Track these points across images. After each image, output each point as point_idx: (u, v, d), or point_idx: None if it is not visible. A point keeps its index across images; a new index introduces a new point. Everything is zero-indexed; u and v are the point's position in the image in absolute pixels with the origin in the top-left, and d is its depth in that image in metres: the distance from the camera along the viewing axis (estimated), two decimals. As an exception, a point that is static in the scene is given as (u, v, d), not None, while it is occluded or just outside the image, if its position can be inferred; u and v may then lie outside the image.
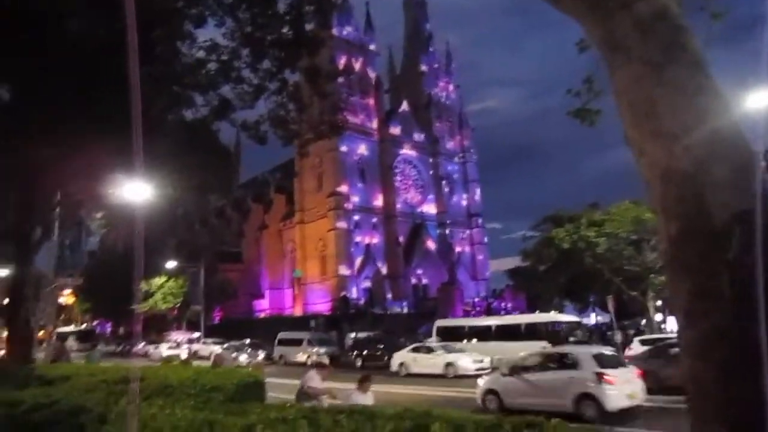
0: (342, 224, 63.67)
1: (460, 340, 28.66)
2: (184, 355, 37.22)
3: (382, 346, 33.42)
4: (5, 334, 18.95)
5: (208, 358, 33.90)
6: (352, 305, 56.78)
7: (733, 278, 1.97)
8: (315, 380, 8.43)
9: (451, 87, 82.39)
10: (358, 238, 65.69)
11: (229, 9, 12.28)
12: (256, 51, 12.93)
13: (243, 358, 32.65)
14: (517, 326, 28.13)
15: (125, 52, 3.10)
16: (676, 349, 19.30)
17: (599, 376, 12.07)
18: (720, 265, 2.00)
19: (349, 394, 7.84)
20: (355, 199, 66.13)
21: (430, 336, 31.59)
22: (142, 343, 48.05)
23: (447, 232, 73.80)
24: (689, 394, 2.14)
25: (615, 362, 13.56)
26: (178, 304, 52.66)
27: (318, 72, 14.29)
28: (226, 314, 64.44)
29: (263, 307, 71.14)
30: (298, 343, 35.56)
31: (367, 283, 64.51)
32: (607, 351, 14.95)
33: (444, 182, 76.07)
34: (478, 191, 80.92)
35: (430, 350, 25.92)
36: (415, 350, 26.61)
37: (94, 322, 74.87)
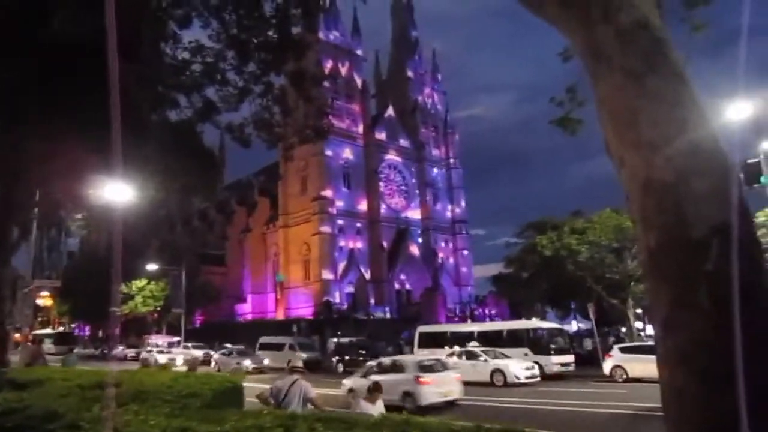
0: (326, 228, 63.53)
1: (442, 346, 28.69)
2: (180, 360, 36.33)
3: (364, 352, 33.39)
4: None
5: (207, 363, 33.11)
6: (335, 310, 56.63)
7: (711, 289, 1.98)
8: (310, 387, 7.81)
9: (437, 93, 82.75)
10: (341, 243, 65.57)
11: (215, 10, 12.20)
12: (242, 53, 12.86)
13: (247, 363, 31.55)
14: (499, 332, 28.28)
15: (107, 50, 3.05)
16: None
17: (416, 379, 15.55)
18: (699, 275, 2.00)
19: (357, 403, 7.64)
20: (340, 203, 66.03)
21: (412, 342, 31.57)
22: (121, 347, 47.44)
23: (431, 237, 73.93)
24: (666, 401, 2.15)
25: (435, 368, 17.03)
26: (159, 308, 52.04)
27: (304, 76, 14.25)
28: (208, 318, 63.87)
29: (245, 311, 70.64)
30: (279, 347, 35.35)
31: (351, 288, 64.36)
32: (431, 359, 18.65)
33: (429, 188, 76.27)
34: (462, 197, 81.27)
35: (472, 355, 24.07)
36: (455, 354, 24.51)
37: (73, 325, 73.78)
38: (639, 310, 35.67)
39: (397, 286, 68.63)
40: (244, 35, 12.49)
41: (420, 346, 29.94)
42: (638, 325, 36.01)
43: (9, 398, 5.08)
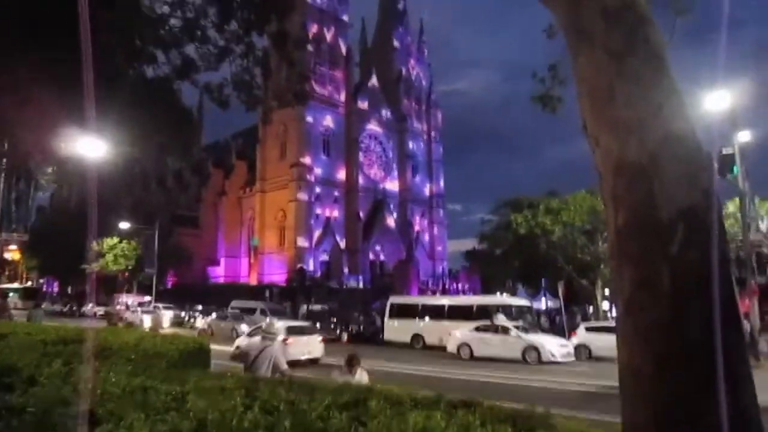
0: (303, 196, 63.20)
1: (413, 317, 29.03)
2: (166, 322, 35.44)
3: (334, 319, 33.63)
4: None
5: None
6: (308, 277, 56.73)
7: (673, 272, 2.01)
8: (282, 357, 7.43)
9: (421, 65, 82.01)
10: (318, 211, 65.37)
11: (198, -37, 11.80)
12: (224, 10, 12.49)
13: (244, 328, 29.04)
14: (469, 307, 28.62)
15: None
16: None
17: (284, 340, 17.16)
18: (662, 258, 2.03)
19: (334, 375, 6.94)
20: (318, 171, 65.61)
21: (383, 311, 31.84)
22: (90, 305, 47.01)
23: (407, 210, 74.15)
24: (623, 380, 2.19)
25: (302, 331, 20.40)
26: (130, 267, 51.53)
27: (287, 38, 13.92)
28: (180, 280, 63.52)
29: (218, 274, 70.41)
30: (251, 312, 35.37)
31: (325, 257, 64.45)
32: (300, 324, 22.61)
33: (408, 160, 76.14)
34: (441, 172, 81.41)
35: (503, 330, 22.58)
36: (483, 329, 23.09)
37: (41, 281, 72.76)
38: (607, 291, 36.47)
39: (371, 256, 68.93)
40: (227, -9, 12.12)
41: (391, 316, 30.21)
42: (605, 305, 36.87)
43: (-32, 350, 5.00)
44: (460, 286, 63.82)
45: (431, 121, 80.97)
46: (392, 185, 74.00)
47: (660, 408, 1.99)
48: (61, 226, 51.81)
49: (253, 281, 64.34)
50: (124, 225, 45.91)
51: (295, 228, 62.59)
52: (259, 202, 68.14)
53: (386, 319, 30.56)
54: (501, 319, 24.84)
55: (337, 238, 65.70)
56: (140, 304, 43.74)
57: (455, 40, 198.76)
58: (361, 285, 61.73)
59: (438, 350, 24.74)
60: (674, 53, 2.43)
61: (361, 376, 7.16)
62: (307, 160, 63.98)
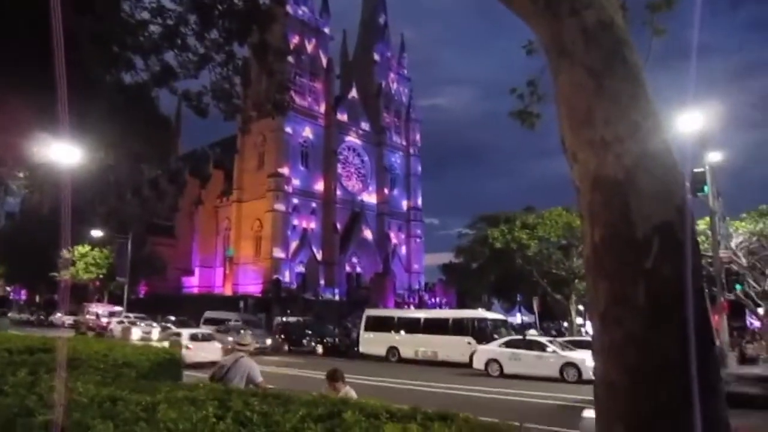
0: (280, 206, 62.84)
1: (389, 330, 28.95)
2: (155, 335, 33.57)
3: (310, 332, 33.38)
4: None
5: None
6: (283, 289, 56.27)
7: (648, 287, 2.03)
8: (257, 369, 7.05)
9: (402, 80, 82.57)
10: (295, 222, 65.05)
11: (179, -29, 11.72)
12: (205, 19, 12.41)
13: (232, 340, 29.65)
14: (445, 320, 28.68)
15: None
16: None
17: (186, 347, 19.90)
18: (638, 273, 2.05)
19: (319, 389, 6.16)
20: (296, 182, 65.37)
21: (358, 324, 31.72)
22: (59, 314, 45.93)
23: (385, 223, 74.19)
24: (598, 394, 2.20)
25: (205, 338, 23.81)
26: (102, 276, 50.48)
27: (268, 48, 13.89)
28: (153, 289, 62.43)
29: (192, 284, 69.41)
30: (224, 323, 34.90)
31: (301, 268, 64.06)
32: (203, 331, 26.00)
33: (386, 173, 76.35)
34: (419, 186, 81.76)
35: (538, 346, 21.00)
36: (513, 344, 21.53)
37: (8, 288, 70.89)
38: (581, 307, 36.90)
39: (348, 268, 68.72)
40: (208, 0, 12.07)
41: (366, 329, 30.10)
42: (579, 320, 37.27)
43: (-71, 359, 4.82)
44: (436, 299, 63.95)
45: (410, 136, 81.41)
46: (370, 198, 74.05)
47: (635, 422, 2.01)
48: (31, 233, 50.62)
49: (227, 292, 63.56)
50: (96, 233, 45.02)
51: (272, 239, 62.14)
52: (235, 212, 67.57)
53: (362, 331, 30.43)
54: (531, 334, 23.85)
55: (314, 250, 65.38)
56: (111, 314, 42.82)
57: (436, 57, 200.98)
58: (337, 297, 61.45)
59: (412, 363, 24.62)
60: (649, 75, 2.48)
61: (348, 395, 6.16)
62: (285, 170, 63.73)
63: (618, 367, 2.08)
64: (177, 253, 69.36)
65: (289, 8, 61.24)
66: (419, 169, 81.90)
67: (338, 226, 67.75)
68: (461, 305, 49.24)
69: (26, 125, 10.70)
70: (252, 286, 61.00)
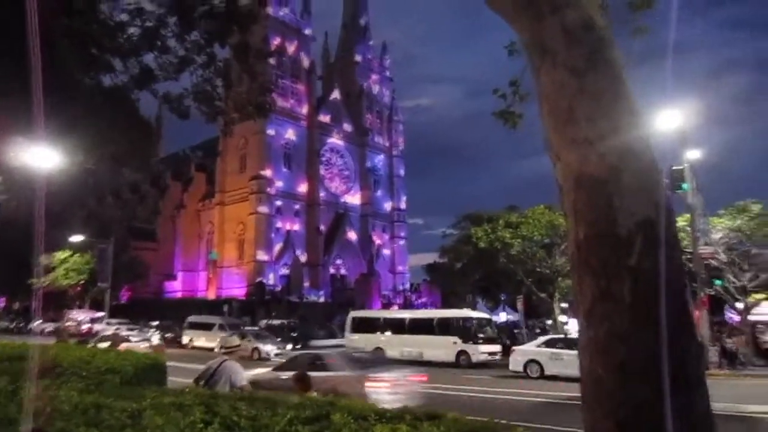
0: (263, 209, 62.49)
1: (375, 332, 28.93)
2: (156, 340, 31.96)
3: (295, 334, 33.23)
4: None
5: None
6: (268, 292, 55.99)
7: (633, 283, 2.06)
8: (241, 372, 6.93)
9: (384, 81, 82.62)
10: (278, 224, 64.72)
11: (158, -28, 11.61)
12: (185, 20, 12.30)
13: (269, 348, 27.83)
14: (430, 321, 28.73)
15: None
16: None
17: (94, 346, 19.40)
18: (622, 269, 2.08)
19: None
20: (279, 184, 65.04)
21: (344, 326, 31.66)
22: (39, 321, 45.19)
23: (369, 224, 74.14)
24: (584, 390, 2.22)
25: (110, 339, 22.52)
26: (82, 281, 49.73)
27: (249, 50, 13.81)
28: (135, 294, 61.68)
29: (175, 288, 68.69)
30: (208, 327, 34.59)
31: (285, 270, 63.71)
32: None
33: (370, 174, 76.31)
34: (403, 186, 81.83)
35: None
36: (553, 344, 20.81)
37: (-14, 296, 69.55)
38: (564, 305, 37.23)
39: (332, 270, 68.53)
40: (188, 1, 11.97)
41: (352, 330, 30.06)
42: (563, 318, 37.57)
43: None
44: (421, 299, 64.08)
45: (393, 136, 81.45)
46: (354, 199, 73.94)
47: (621, 415, 2.03)
48: (7, 239, 49.69)
49: (211, 296, 63.00)
50: (76, 238, 44.33)
51: (255, 241, 61.76)
52: (218, 215, 67.04)
53: (347, 333, 30.38)
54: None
55: (298, 252, 65.10)
56: (92, 320, 42.21)
57: (419, 56, 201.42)
58: (322, 299, 61.24)
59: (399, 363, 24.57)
60: (630, 73, 2.51)
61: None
62: (267, 172, 63.38)
63: (604, 363, 2.10)
64: (159, 258, 68.59)
65: (270, 9, 60.97)
66: (402, 169, 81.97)
67: (322, 228, 67.53)
68: (446, 305, 49.39)
69: (1, 128, 10.51)
70: (236, 289, 60.57)
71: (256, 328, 33.50)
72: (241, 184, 63.92)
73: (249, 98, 14.92)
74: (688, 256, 21.78)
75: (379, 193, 78.04)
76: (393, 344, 27.73)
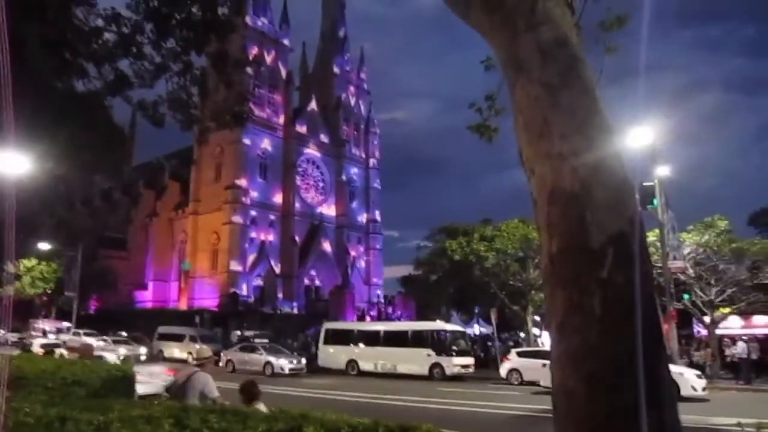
0: (238, 218, 61.88)
1: (349, 343, 28.77)
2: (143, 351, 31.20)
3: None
4: None
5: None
6: (241, 302, 55.29)
7: (604, 295, 2.09)
8: (211, 384, 6.53)
9: (361, 93, 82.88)
10: (253, 234, 64.11)
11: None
12: (162, 28, 12.18)
13: (283, 362, 26.67)
14: (404, 333, 28.72)
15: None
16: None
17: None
18: (594, 282, 2.11)
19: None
20: (254, 194, 64.54)
21: (317, 338, 31.41)
22: (1, 331, 43.80)
23: (344, 235, 73.94)
24: (556, 402, 2.24)
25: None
26: (49, 290, 48.49)
27: (226, 58, 13.73)
28: (104, 304, 60.34)
29: (146, 298, 67.37)
30: (179, 338, 34.02)
31: (259, 281, 63.06)
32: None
33: (346, 186, 76.25)
34: (378, 198, 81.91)
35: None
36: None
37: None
38: (537, 317, 37.53)
39: (306, 281, 68.04)
40: (165, 8, 11.85)
41: (326, 342, 29.86)
42: (536, 331, 37.86)
43: None
44: (396, 312, 63.94)
45: (370, 148, 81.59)
46: (329, 210, 73.71)
47: (592, 428, 2.05)
48: (-27, 246, 48.29)
49: (183, 306, 61.96)
50: (44, 246, 43.25)
51: (229, 251, 61.04)
52: (191, 225, 66.12)
53: (321, 344, 30.16)
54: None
55: (272, 263, 64.52)
56: (59, 330, 41.11)
57: (395, 70, 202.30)
58: (295, 310, 60.72)
59: (372, 375, 24.52)
60: (602, 91, 2.57)
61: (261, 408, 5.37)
62: (242, 182, 62.87)
63: (576, 375, 2.12)
64: (130, 267, 67.31)
65: (248, 19, 60.84)
66: (378, 181, 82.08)
67: (297, 238, 67.10)
68: (421, 317, 49.35)
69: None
70: (208, 300, 59.67)
71: (266, 341, 31.99)
72: (215, 194, 63.22)
73: (226, 107, 14.81)
74: (658, 271, 22.18)
75: (354, 204, 77.95)
76: (367, 356, 27.61)
